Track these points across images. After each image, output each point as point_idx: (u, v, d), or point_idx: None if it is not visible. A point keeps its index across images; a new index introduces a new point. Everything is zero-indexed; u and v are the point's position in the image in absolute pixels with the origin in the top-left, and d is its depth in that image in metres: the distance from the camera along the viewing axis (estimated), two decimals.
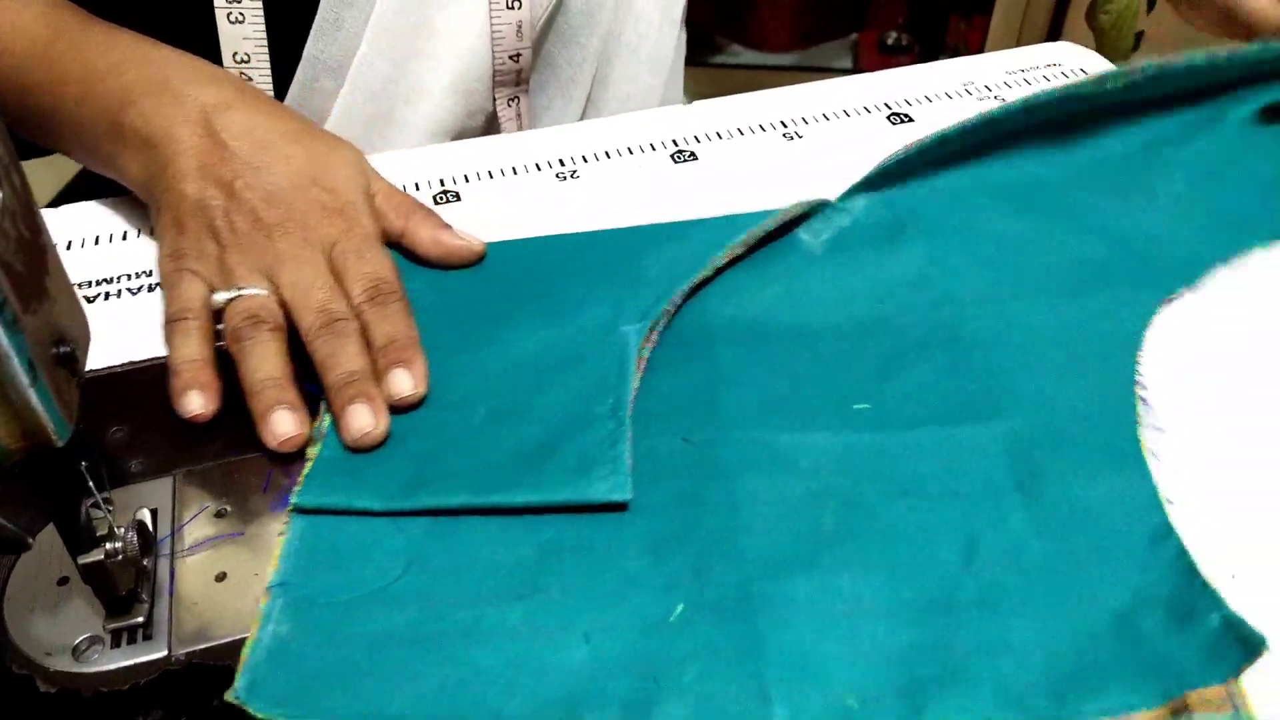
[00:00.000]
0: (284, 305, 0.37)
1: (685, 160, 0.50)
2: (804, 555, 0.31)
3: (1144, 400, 0.35)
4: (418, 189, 0.48)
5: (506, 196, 0.48)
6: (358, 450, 0.34)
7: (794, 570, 0.30)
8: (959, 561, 0.30)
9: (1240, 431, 0.35)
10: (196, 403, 0.35)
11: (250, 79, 0.51)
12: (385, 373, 0.35)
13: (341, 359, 0.35)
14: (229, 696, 0.27)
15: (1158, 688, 0.27)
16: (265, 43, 0.50)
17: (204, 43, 0.50)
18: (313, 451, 0.34)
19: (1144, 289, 0.39)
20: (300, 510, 0.32)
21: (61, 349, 0.26)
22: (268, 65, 0.51)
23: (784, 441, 0.34)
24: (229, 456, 0.35)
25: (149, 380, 0.37)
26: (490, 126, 0.59)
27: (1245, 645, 0.26)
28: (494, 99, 0.57)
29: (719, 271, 0.40)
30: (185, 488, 0.34)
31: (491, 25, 0.54)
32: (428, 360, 0.36)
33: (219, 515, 0.34)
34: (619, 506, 0.32)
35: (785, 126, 0.52)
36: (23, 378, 0.24)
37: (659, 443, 0.34)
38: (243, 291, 0.37)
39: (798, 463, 0.33)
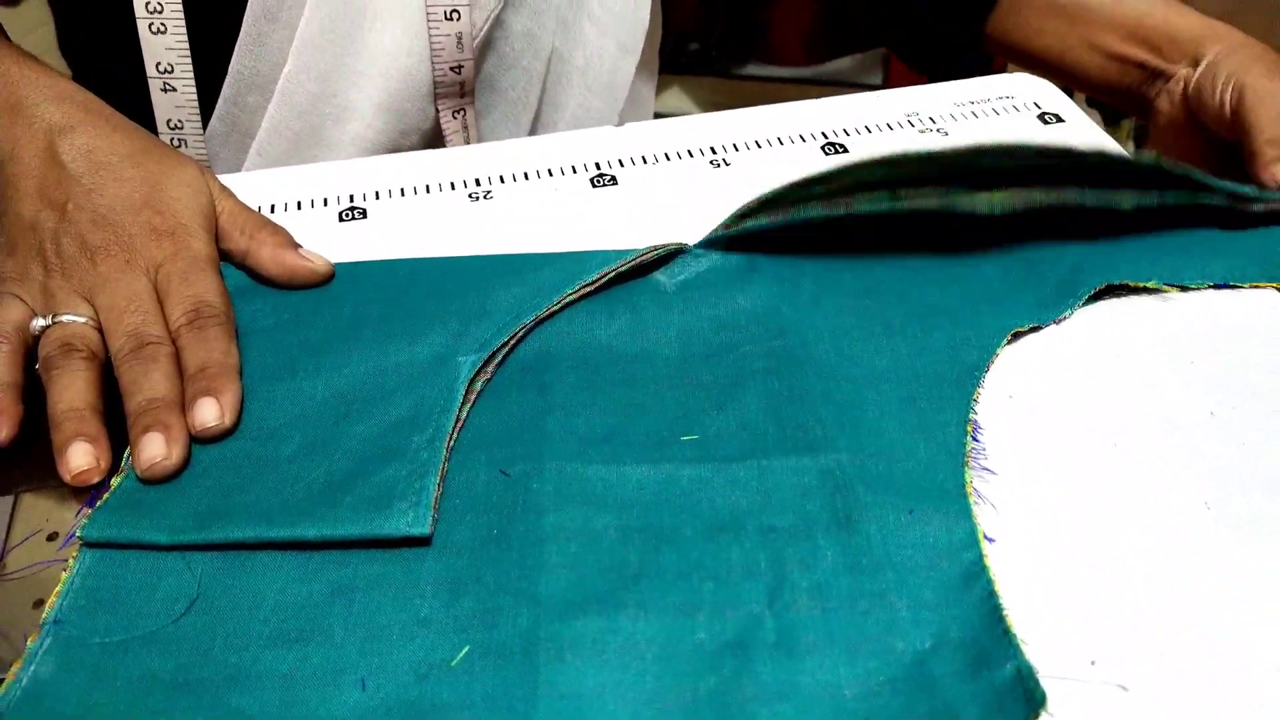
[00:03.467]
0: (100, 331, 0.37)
1: (604, 185, 0.48)
2: (600, 595, 0.29)
3: (976, 440, 0.34)
4: (325, 205, 0.47)
5: (416, 215, 0.47)
6: (150, 481, 0.33)
7: (586, 611, 0.29)
8: (763, 600, 0.29)
9: (1071, 473, 0.34)
10: None
11: (175, 89, 0.50)
12: (192, 402, 0.34)
13: (144, 385, 0.34)
14: None
15: None
16: (188, 54, 0.49)
17: (127, 52, 0.50)
18: (116, 482, 0.33)
19: (988, 329, 0.38)
20: (89, 544, 0.31)
21: None
22: (191, 76, 0.50)
23: (600, 474, 0.33)
24: None
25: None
26: (429, 145, 0.58)
27: (1028, 701, 0.26)
28: (437, 111, 0.56)
29: (566, 306, 0.40)
30: (23, 507, 0.34)
31: (430, 38, 0.53)
32: (242, 390, 0.36)
33: (50, 539, 0.33)
34: (421, 542, 0.31)
35: (714, 154, 0.50)
36: None
37: (477, 475, 0.33)
38: (60, 318, 0.37)
39: (612, 496, 0.32)
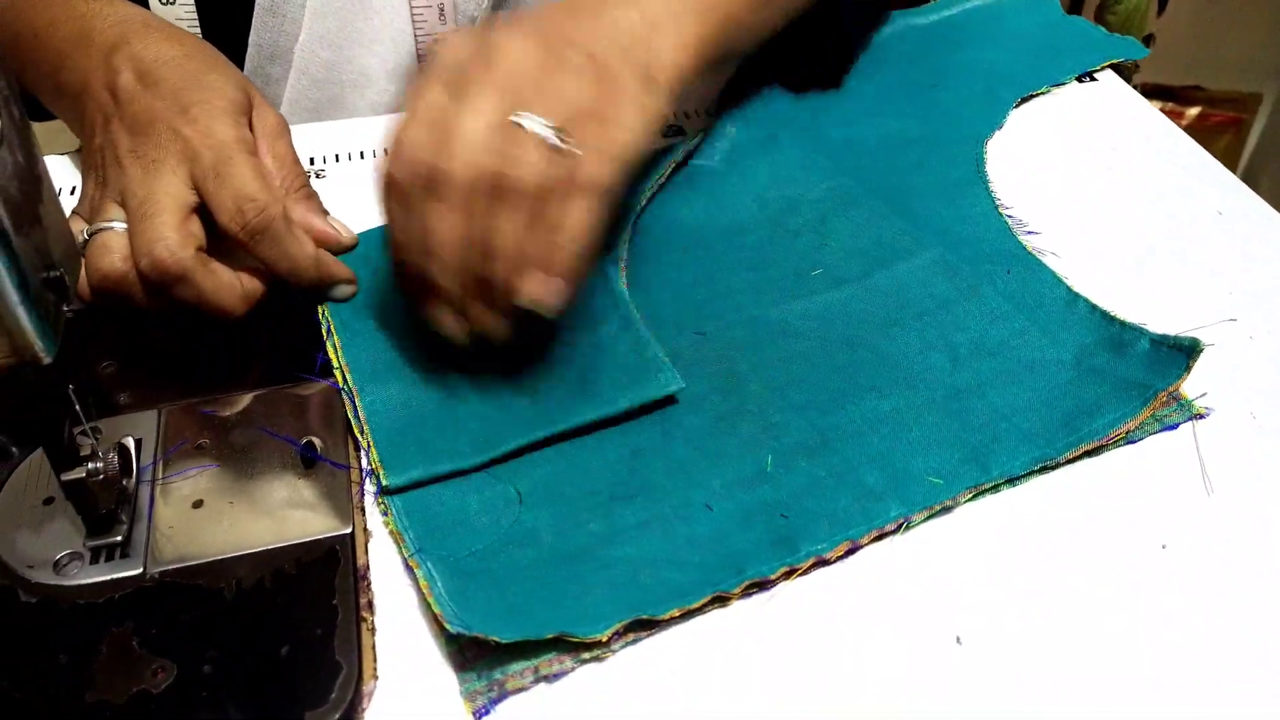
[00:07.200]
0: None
1: None
2: (843, 389, 0.37)
3: (1010, 216, 0.45)
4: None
5: None
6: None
7: (842, 402, 0.37)
8: (949, 363, 0.38)
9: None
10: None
11: None
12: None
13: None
14: (451, 627, 0.29)
15: (1136, 399, 0.35)
16: (198, 23, 0.50)
17: None
18: (365, 439, 0.35)
19: (967, 142, 0.49)
20: (389, 491, 0.34)
21: (51, 273, 0.28)
22: None
23: (777, 314, 0.40)
24: (212, 394, 0.37)
25: (140, 318, 0.39)
26: None
27: (1183, 349, 0.36)
28: None
29: (647, 204, 0.45)
30: (170, 420, 0.36)
31: (411, 8, 0.53)
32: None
33: (199, 448, 0.35)
34: (670, 401, 0.36)
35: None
36: (13, 295, 0.26)
37: (679, 343, 0.38)
38: (113, 225, 0.38)
39: (793, 329, 0.39)
